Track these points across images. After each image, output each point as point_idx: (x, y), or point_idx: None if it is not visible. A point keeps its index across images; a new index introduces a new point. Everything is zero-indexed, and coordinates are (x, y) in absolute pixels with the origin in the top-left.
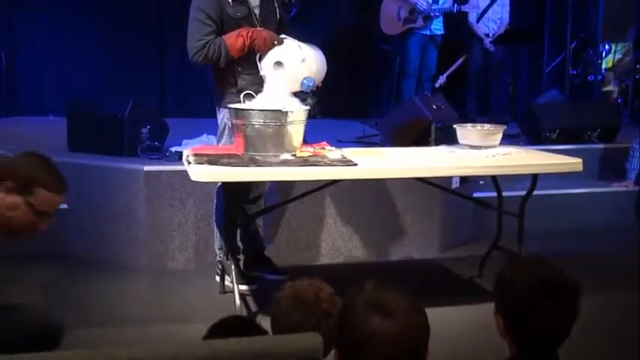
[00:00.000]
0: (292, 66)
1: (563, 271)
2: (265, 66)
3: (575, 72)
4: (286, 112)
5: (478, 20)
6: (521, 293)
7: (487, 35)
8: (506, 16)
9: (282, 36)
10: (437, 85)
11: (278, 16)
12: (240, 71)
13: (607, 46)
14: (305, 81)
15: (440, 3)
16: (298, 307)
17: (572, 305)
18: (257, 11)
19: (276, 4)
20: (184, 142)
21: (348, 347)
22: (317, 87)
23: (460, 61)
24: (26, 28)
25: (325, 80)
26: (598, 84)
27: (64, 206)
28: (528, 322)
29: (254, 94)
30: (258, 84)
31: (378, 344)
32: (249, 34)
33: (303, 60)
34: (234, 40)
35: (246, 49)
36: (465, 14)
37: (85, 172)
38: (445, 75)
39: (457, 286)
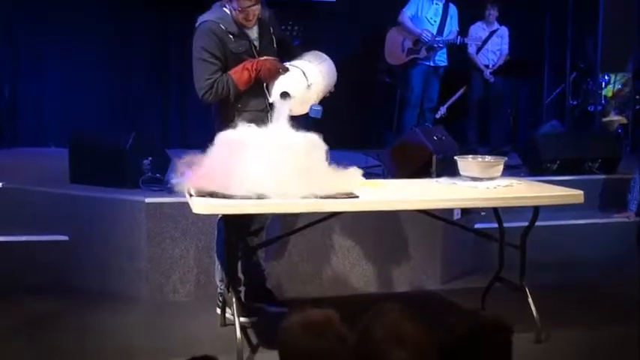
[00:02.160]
0: (299, 94)
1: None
2: (273, 94)
3: (575, 103)
4: (290, 143)
5: (478, 52)
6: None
7: (487, 66)
8: (505, 47)
9: (287, 64)
10: (437, 116)
11: (275, 45)
12: (240, 108)
13: (606, 77)
14: (314, 108)
15: (444, 35)
16: (308, 333)
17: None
18: (256, 43)
19: (272, 35)
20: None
21: None
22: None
23: (460, 92)
24: (30, 60)
25: (327, 111)
26: (598, 115)
27: (65, 238)
28: None
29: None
30: (258, 120)
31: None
32: (254, 66)
33: (309, 86)
34: (240, 74)
35: (253, 80)
36: (467, 46)
37: (86, 203)
38: (445, 106)
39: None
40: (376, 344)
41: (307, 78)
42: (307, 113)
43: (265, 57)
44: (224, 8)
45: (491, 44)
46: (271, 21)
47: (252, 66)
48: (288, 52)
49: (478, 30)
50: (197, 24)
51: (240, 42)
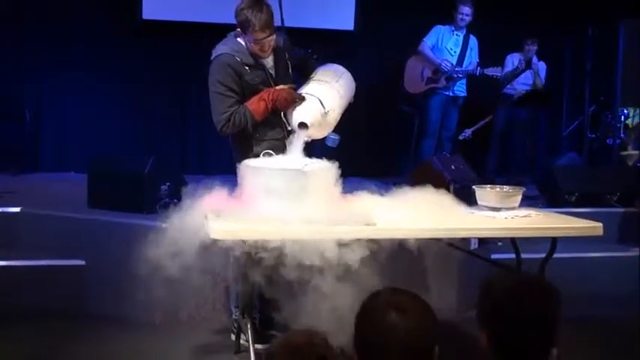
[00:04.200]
0: (316, 122)
1: (543, 279)
2: (292, 123)
3: (593, 135)
4: (306, 171)
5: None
6: (498, 299)
7: (511, 96)
8: (540, 81)
9: (303, 91)
10: (461, 137)
11: (291, 71)
12: (259, 137)
13: (625, 111)
14: (331, 137)
15: (463, 65)
16: (290, 355)
17: (549, 309)
18: (272, 72)
19: (288, 61)
20: None
21: (367, 345)
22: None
23: (487, 119)
24: (52, 87)
25: (344, 140)
26: (617, 148)
27: (82, 262)
28: (505, 327)
29: (273, 153)
30: (276, 149)
31: (396, 338)
32: (270, 97)
33: (326, 112)
34: (257, 105)
35: (270, 110)
36: (489, 77)
37: (103, 228)
38: (471, 130)
39: (475, 348)
40: (378, 314)
41: (324, 106)
42: (325, 141)
43: (281, 86)
44: (238, 39)
45: (523, 76)
46: (286, 46)
47: (268, 96)
48: (306, 69)
49: (514, 61)
50: (212, 56)
51: (256, 72)
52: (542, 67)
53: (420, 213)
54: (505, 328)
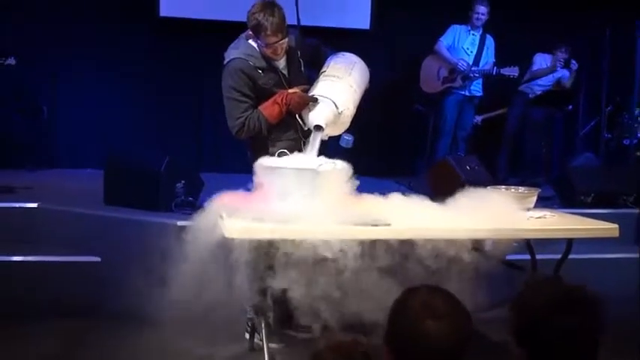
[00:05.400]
0: (330, 123)
1: (584, 288)
2: (309, 124)
3: (610, 136)
4: (320, 172)
5: (529, 80)
6: (536, 308)
7: (527, 95)
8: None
9: (316, 93)
10: (473, 121)
11: (304, 68)
12: (274, 138)
13: None
14: (345, 137)
15: (480, 65)
16: (337, 355)
17: (590, 318)
18: (285, 72)
19: (300, 59)
20: None
21: (399, 343)
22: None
23: (500, 111)
24: (68, 83)
25: (359, 139)
26: (633, 148)
27: (97, 259)
28: (543, 337)
29: (288, 152)
30: (291, 149)
31: (428, 343)
32: (284, 100)
33: (340, 113)
34: (271, 109)
35: (284, 114)
36: (505, 76)
37: (119, 225)
38: (482, 117)
39: (489, 348)
40: (412, 315)
41: (337, 106)
42: (339, 142)
43: (294, 89)
44: (250, 41)
45: (545, 78)
46: (298, 44)
47: (282, 100)
48: (319, 60)
49: (542, 62)
50: (225, 61)
51: (269, 75)
52: (573, 66)
53: (435, 214)
54: (547, 345)
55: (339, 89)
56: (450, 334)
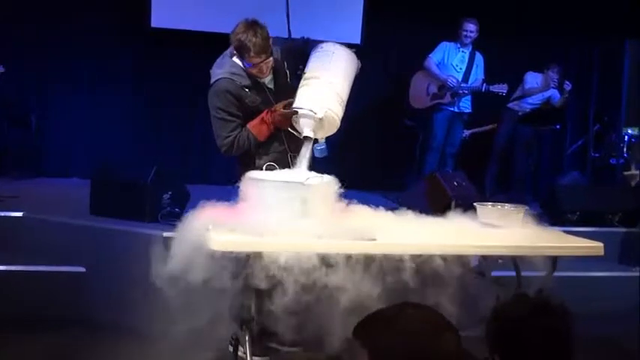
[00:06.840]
0: (317, 128)
1: (552, 299)
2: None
3: (597, 155)
4: (308, 185)
5: (518, 98)
6: (509, 320)
7: (516, 112)
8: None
9: (295, 105)
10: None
11: (289, 80)
12: (261, 152)
13: (630, 131)
14: (318, 148)
15: (469, 82)
16: None
17: (558, 327)
18: (271, 86)
19: (287, 70)
20: None
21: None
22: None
23: (489, 127)
24: (58, 93)
25: (348, 152)
26: (620, 168)
27: (83, 269)
28: (517, 352)
29: (276, 166)
30: (278, 162)
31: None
32: (270, 120)
33: (321, 119)
34: (259, 127)
35: (272, 131)
36: (494, 93)
37: (105, 235)
38: (470, 132)
39: None
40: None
41: (315, 112)
42: (321, 155)
43: (277, 105)
44: (234, 58)
45: (535, 96)
46: (283, 56)
47: (269, 119)
48: (303, 60)
49: (533, 80)
50: (211, 80)
51: (256, 92)
52: (567, 87)
53: (420, 229)
54: (517, 353)
55: (316, 92)
56: (437, 352)
